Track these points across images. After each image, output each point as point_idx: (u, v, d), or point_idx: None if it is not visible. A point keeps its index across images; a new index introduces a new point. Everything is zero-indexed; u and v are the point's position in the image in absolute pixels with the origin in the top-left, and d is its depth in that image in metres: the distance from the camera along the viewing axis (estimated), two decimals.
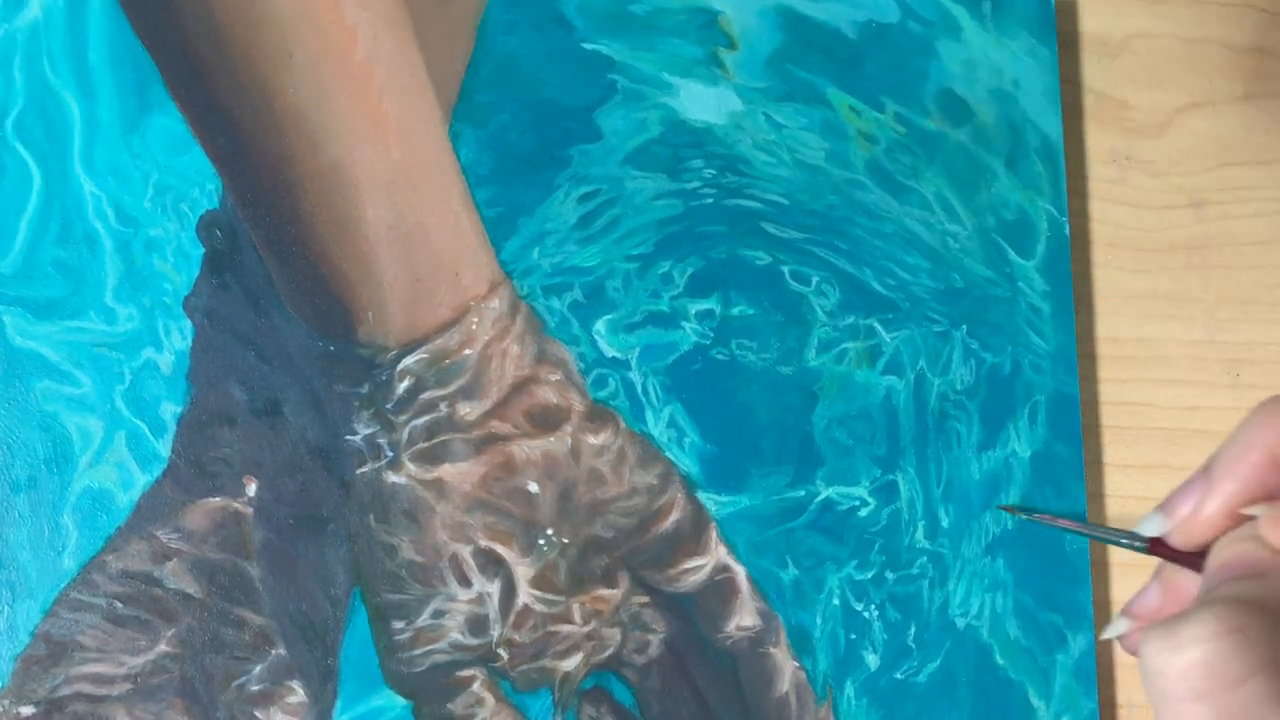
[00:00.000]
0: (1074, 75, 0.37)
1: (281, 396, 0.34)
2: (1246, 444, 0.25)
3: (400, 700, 0.33)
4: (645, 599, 0.34)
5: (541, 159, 0.35)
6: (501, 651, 0.33)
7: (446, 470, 0.33)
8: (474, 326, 0.34)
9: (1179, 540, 0.26)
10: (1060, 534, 0.34)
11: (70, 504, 0.33)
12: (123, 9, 0.34)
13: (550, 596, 0.33)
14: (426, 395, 0.33)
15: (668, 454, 0.34)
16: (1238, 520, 0.25)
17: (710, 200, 0.35)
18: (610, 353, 0.34)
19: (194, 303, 0.34)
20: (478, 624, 0.33)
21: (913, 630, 0.34)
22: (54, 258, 0.33)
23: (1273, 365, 0.37)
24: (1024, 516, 0.35)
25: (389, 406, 0.33)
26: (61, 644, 0.32)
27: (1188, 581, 0.27)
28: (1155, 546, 0.27)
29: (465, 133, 0.35)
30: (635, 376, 0.34)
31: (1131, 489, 0.35)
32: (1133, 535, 0.28)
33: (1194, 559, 0.26)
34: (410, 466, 0.33)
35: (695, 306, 0.35)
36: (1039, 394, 0.35)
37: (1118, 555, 0.35)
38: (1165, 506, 0.26)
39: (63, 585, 0.32)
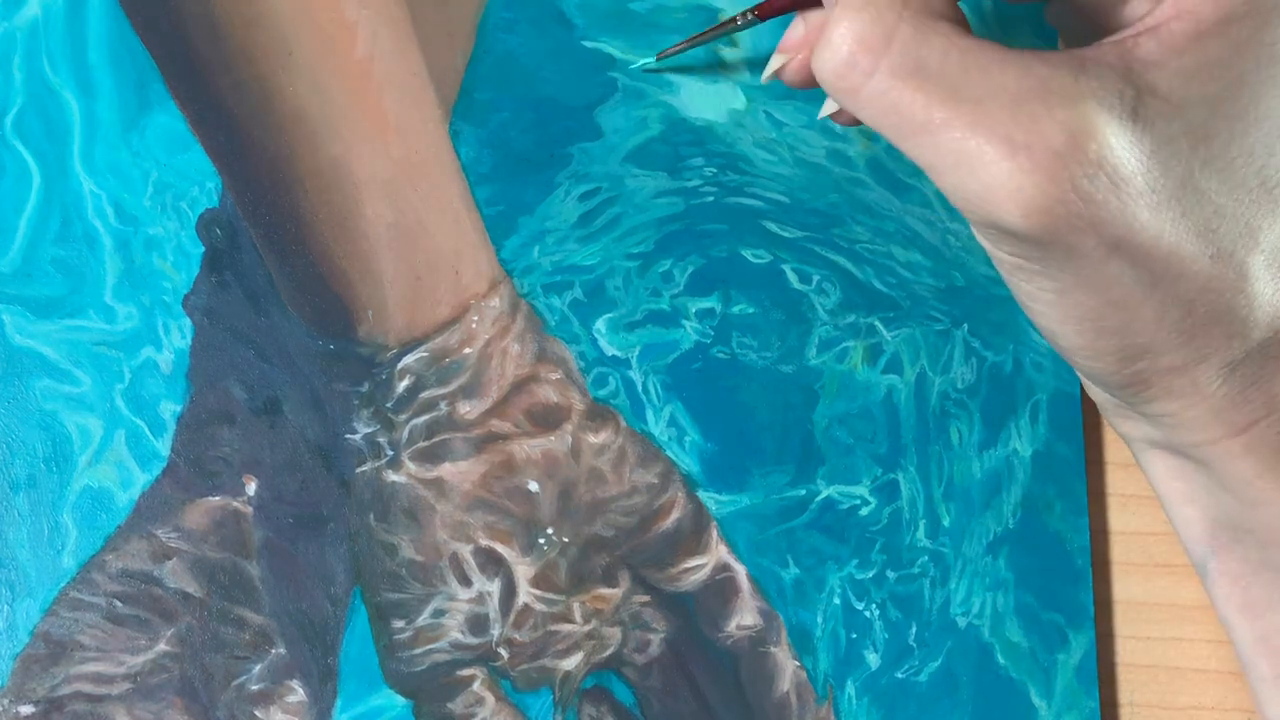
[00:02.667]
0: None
1: (281, 395, 0.33)
2: None
3: (400, 699, 0.33)
4: (646, 598, 0.34)
5: (542, 157, 0.35)
6: (502, 651, 0.33)
7: (446, 469, 0.33)
8: (474, 325, 0.34)
9: None
10: (1061, 533, 0.34)
11: (70, 503, 0.33)
12: (122, 7, 0.34)
13: (551, 596, 0.33)
14: (426, 394, 0.33)
15: (668, 453, 0.34)
16: None
17: (711, 198, 0.35)
18: (611, 351, 0.34)
19: (194, 301, 0.34)
20: (478, 623, 0.33)
21: (914, 629, 0.34)
22: (53, 256, 0.33)
23: None
24: (656, 63, 0.35)
25: (389, 405, 0.33)
26: (61, 643, 0.32)
27: (820, 16, 0.29)
28: (766, 9, 0.30)
29: (465, 131, 0.35)
30: (636, 375, 0.34)
31: (1134, 488, 0.35)
32: (741, 12, 0.31)
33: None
34: (410, 465, 0.33)
35: (696, 305, 0.35)
36: (1040, 393, 0.35)
37: (1119, 554, 0.35)
38: None
39: (62, 584, 0.32)
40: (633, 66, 0.35)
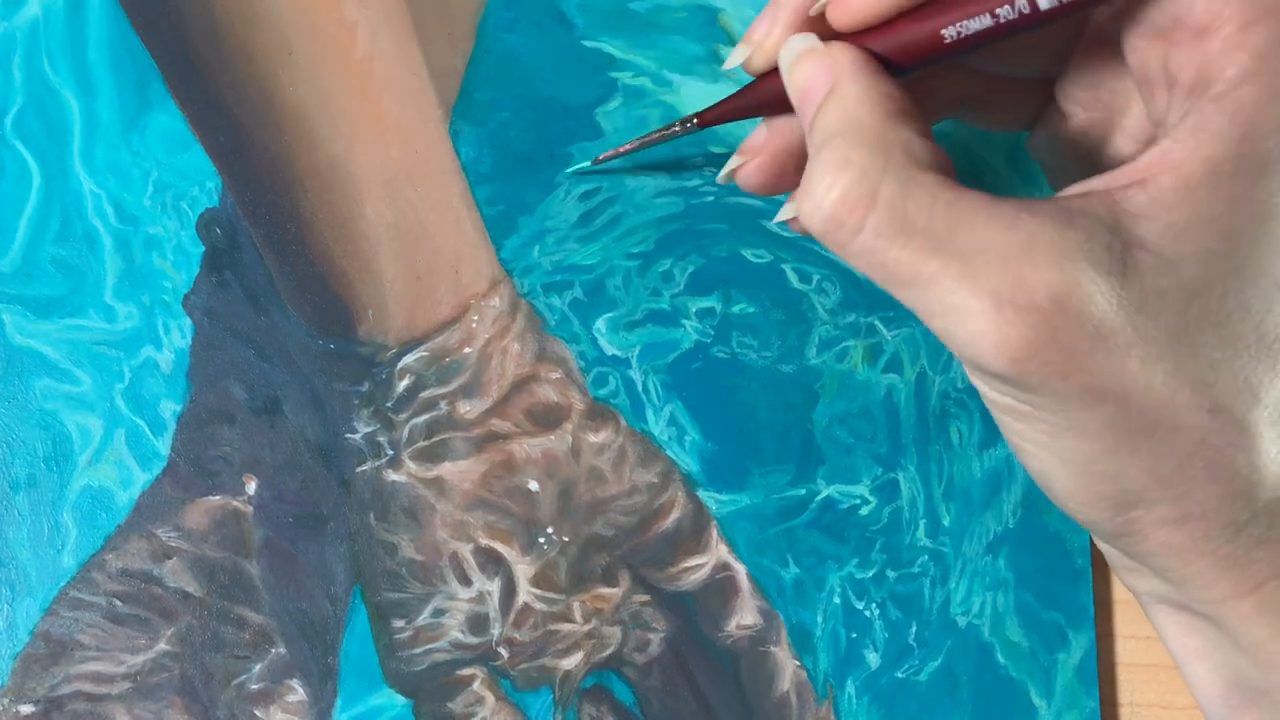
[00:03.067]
0: None
1: (281, 395, 0.33)
2: None
3: (400, 699, 0.33)
4: (646, 597, 0.34)
5: (542, 157, 0.35)
6: (502, 650, 0.33)
7: (447, 469, 0.33)
8: (474, 325, 0.34)
9: (761, 62, 0.28)
10: (1061, 533, 0.34)
11: (70, 502, 0.33)
12: (122, 7, 0.34)
13: (550, 595, 0.33)
14: (427, 393, 0.33)
15: (668, 452, 0.34)
16: (814, 24, 0.27)
17: (711, 198, 0.35)
18: (611, 351, 0.34)
19: (194, 301, 0.34)
20: (478, 622, 0.33)
21: (914, 629, 0.34)
22: (53, 256, 0.33)
23: None
24: (591, 166, 0.34)
25: (389, 405, 0.33)
26: (61, 642, 0.32)
27: (786, 122, 0.29)
28: (707, 116, 0.30)
29: (465, 130, 0.35)
30: (636, 375, 0.34)
31: None
32: (685, 120, 0.31)
33: (776, 102, 0.28)
34: (410, 465, 0.33)
35: (696, 304, 0.35)
36: None
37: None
38: (744, 39, 0.28)
39: (62, 584, 0.32)
40: (568, 171, 0.35)
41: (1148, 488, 0.23)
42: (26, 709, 0.32)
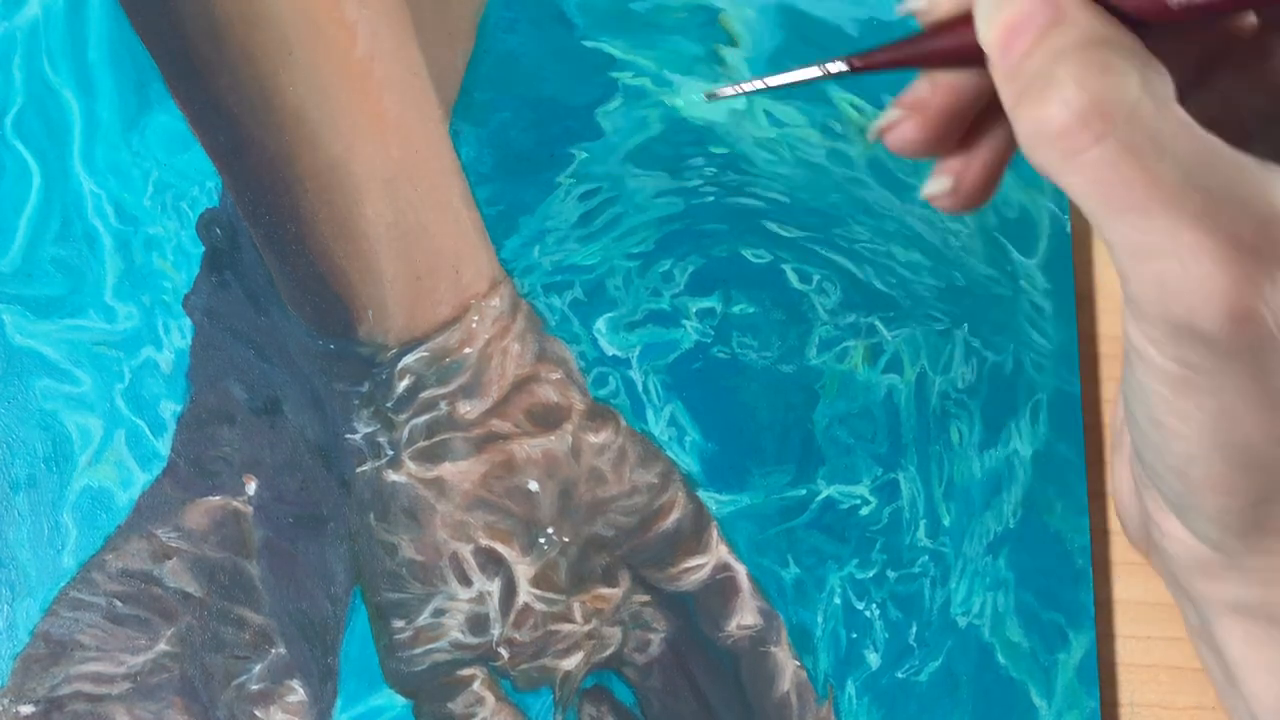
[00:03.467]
0: None
1: (281, 395, 0.33)
2: None
3: (400, 699, 0.33)
4: (646, 598, 0.34)
5: (542, 157, 0.35)
6: (502, 650, 0.33)
7: (447, 469, 0.33)
8: (474, 325, 0.34)
9: (944, 9, 0.24)
10: (1061, 533, 0.34)
11: (70, 502, 0.33)
12: (122, 7, 0.34)
13: (551, 595, 0.33)
14: (427, 394, 0.33)
15: (668, 452, 0.34)
16: None
17: (711, 198, 0.35)
18: (611, 351, 0.34)
19: (194, 301, 0.34)
20: (478, 623, 0.33)
21: (914, 629, 0.34)
22: (53, 256, 0.33)
23: None
24: (733, 92, 0.28)
25: (389, 405, 0.33)
26: (61, 643, 0.32)
27: (954, 78, 0.25)
28: (867, 60, 0.25)
29: (465, 131, 0.35)
30: (636, 375, 0.34)
31: None
32: (833, 59, 0.26)
33: (947, 53, 0.24)
34: (410, 465, 0.33)
35: (696, 305, 0.35)
36: (1041, 392, 0.35)
37: (1120, 554, 0.35)
38: None
39: (62, 584, 0.32)
40: (696, 97, 0.33)
41: None
42: (26, 709, 0.32)
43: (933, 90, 0.25)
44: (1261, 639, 0.25)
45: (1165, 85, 0.22)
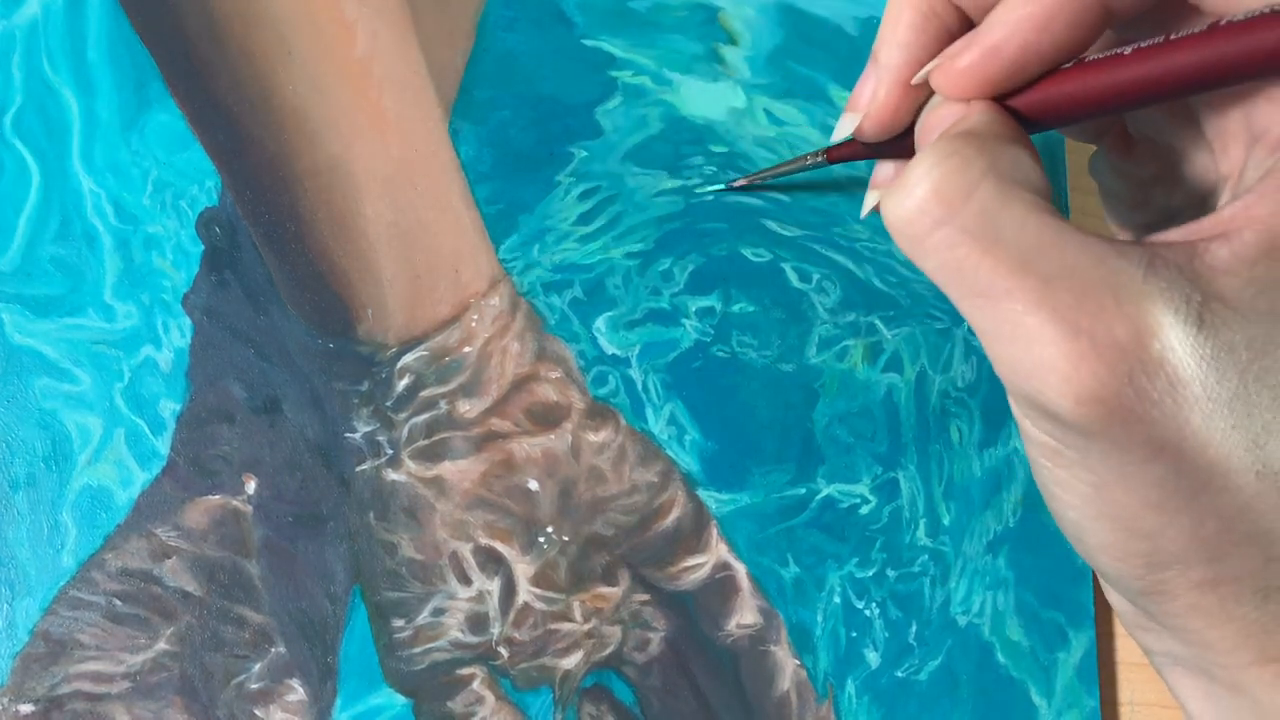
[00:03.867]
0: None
1: (281, 394, 0.33)
2: (895, 13, 0.26)
3: (400, 698, 0.33)
4: (646, 597, 0.34)
5: (542, 156, 0.35)
6: (501, 649, 0.33)
7: (446, 468, 0.33)
8: (474, 324, 0.34)
9: (872, 129, 0.27)
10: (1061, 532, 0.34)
11: (69, 502, 0.33)
12: (121, 6, 0.34)
13: (550, 594, 0.33)
14: (426, 393, 0.33)
15: (668, 451, 0.34)
16: (915, 95, 0.26)
17: (711, 197, 0.35)
18: (610, 350, 0.34)
19: (193, 300, 0.34)
20: (478, 622, 0.33)
21: (914, 628, 0.34)
22: (53, 255, 0.33)
23: None
24: (743, 184, 0.35)
25: (389, 404, 0.33)
26: (60, 642, 0.32)
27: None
28: (835, 153, 0.30)
29: (465, 129, 0.35)
30: (635, 374, 0.34)
31: None
32: (815, 152, 0.31)
33: (902, 148, 0.27)
34: (410, 464, 0.33)
35: (696, 304, 0.35)
36: None
37: None
38: (849, 105, 0.27)
39: (62, 583, 0.32)
40: (700, 191, 0.35)
41: (1187, 548, 0.23)
42: (26, 708, 0.32)
43: (896, 169, 0.29)
44: (1205, 692, 0.25)
45: (1022, 171, 0.23)
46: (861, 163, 0.35)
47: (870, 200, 0.29)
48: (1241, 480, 0.22)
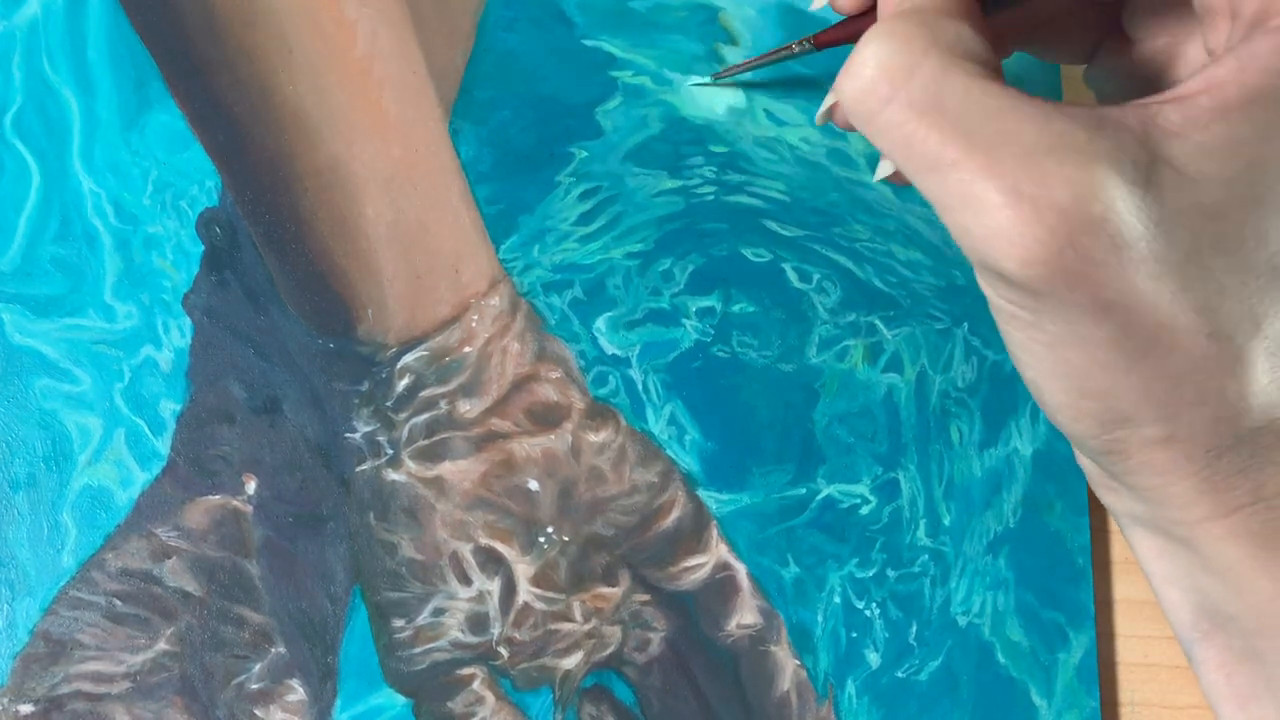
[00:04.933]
0: (1076, 71, 0.37)
1: (281, 394, 0.33)
2: None
3: (400, 698, 0.33)
4: (646, 597, 0.34)
5: (542, 156, 0.35)
6: (502, 649, 0.33)
7: (446, 468, 0.33)
8: (474, 324, 0.34)
9: (846, 2, 0.28)
10: (1061, 532, 0.34)
11: (69, 502, 0.33)
12: (122, 6, 0.34)
13: (551, 594, 0.33)
14: (426, 393, 0.33)
15: (668, 452, 0.34)
16: None
17: (711, 197, 0.35)
18: (611, 350, 0.34)
19: (193, 300, 0.34)
20: (478, 622, 0.33)
21: (914, 628, 0.34)
22: (53, 255, 0.33)
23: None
24: (729, 75, 0.35)
25: (389, 404, 0.33)
26: (61, 642, 0.32)
27: None
28: (823, 38, 0.31)
29: (465, 129, 0.35)
30: (636, 374, 0.34)
31: None
32: (800, 41, 0.32)
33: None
34: (410, 464, 0.33)
35: (696, 304, 0.35)
36: None
37: (1120, 554, 0.35)
38: None
39: (62, 583, 0.32)
40: (689, 83, 0.35)
41: (1138, 407, 0.23)
42: (26, 708, 0.32)
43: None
44: (1160, 550, 0.26)
45: (964, 44, 0.24)
46: (855, 162, 0.35)
47: (827, 102, 0.30)
48: (1190, 342, 0.23)
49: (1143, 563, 0.27)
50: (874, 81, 0.23)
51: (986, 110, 0.23)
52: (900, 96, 0.23)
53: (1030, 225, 0.22)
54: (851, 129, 0.30)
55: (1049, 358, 0.24)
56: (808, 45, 0.31)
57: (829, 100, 0.30)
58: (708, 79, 0.35)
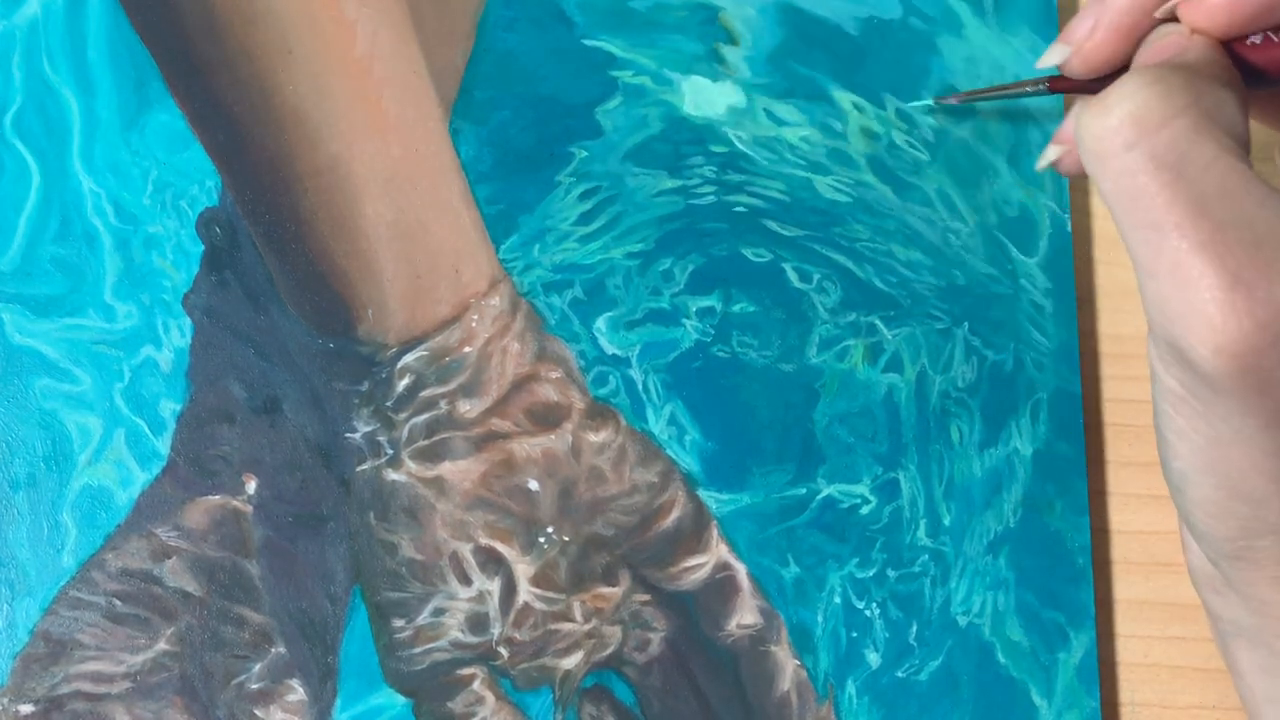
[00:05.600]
0: None
1: (281, 394, 0.33)
2: None
3: (400, 698, 0.33)
4: (646, 597, 0.34)
5: (542, 156, 0.35)
6: (502, 650, 0.33)
7: (446, 468, 0.33)
8: (474, 324, 0.34)
9: (1082, 66, 0.27)
10: (1061, 532, 0.34)
11: (69, 502, 0.33)
12: (121, 5, 0.34)
13: (551, 594, 0.33)
14: (426, 393, 0.33)
15: (668, 452, 0.34)
16: (1133, 37, 0.26)
17: (711, 197, 0.35)
18: (611, 350, 0.34)
19: (193, 300, 0.34)
20: (478, 622, 0.33)
21: (914, 628, 0.34)
22: (53, 255, 0.33)
23: None
24: (954, 102, 0.35)
25: (389, 404, 0.33)
26: (61, 642, 0.32)
27: None
28: (1058, 84, 0.30)
29: (465, 129, 0.35)
30: (636, 374, 0.34)
31: (1134, 486, 0.35)
32: (1036, 81, 0.31)
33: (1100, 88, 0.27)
34: (410, 464, 0.33)
35: (696, 304, 0.35)
36: (1041, 391, 0.35)
37: (1120, 554, 0.35)
38: (1063, 35, 0.27)
39: (62, 583, 0.32)
40: (908, 105, 0.35)
41: None
42: (26, 709, 0.32)
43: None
44: (1266, 667, 0.25)
45: (1225, 115, 0.23)
46: (855, 161, 0.35)
47: (1051, 153, 0.29)
48: None
49: (1240, 675, 0.26)
50: (1121, 123, 0.22)
51: (1227, 188, 0.22)
52: (1143, 146, 0.22)
53: (1239, 315, 0.21)
54: (1073, 174, 0.29)
55: (1209, 452, 0.23)
56: (1042, 87, 0.30)
57: (1054, 151, 0.29)
58: (930, 101, 0.35)
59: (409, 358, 0.33)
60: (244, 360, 0.33)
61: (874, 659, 0.34)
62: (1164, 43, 0.25)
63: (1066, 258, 0.36)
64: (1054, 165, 0.30)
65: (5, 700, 0.32)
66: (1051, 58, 0.28)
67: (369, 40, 0.34)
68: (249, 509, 0.33)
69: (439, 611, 0.33)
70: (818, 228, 0.35)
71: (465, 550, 0.33)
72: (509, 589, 0.33)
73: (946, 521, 0.34)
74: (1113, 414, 0.36)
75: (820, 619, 0.34)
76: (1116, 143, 0.22)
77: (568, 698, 0.33)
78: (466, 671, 0.33)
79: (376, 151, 0.33)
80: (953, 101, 0.35)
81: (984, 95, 0.34)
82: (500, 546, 0.33)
